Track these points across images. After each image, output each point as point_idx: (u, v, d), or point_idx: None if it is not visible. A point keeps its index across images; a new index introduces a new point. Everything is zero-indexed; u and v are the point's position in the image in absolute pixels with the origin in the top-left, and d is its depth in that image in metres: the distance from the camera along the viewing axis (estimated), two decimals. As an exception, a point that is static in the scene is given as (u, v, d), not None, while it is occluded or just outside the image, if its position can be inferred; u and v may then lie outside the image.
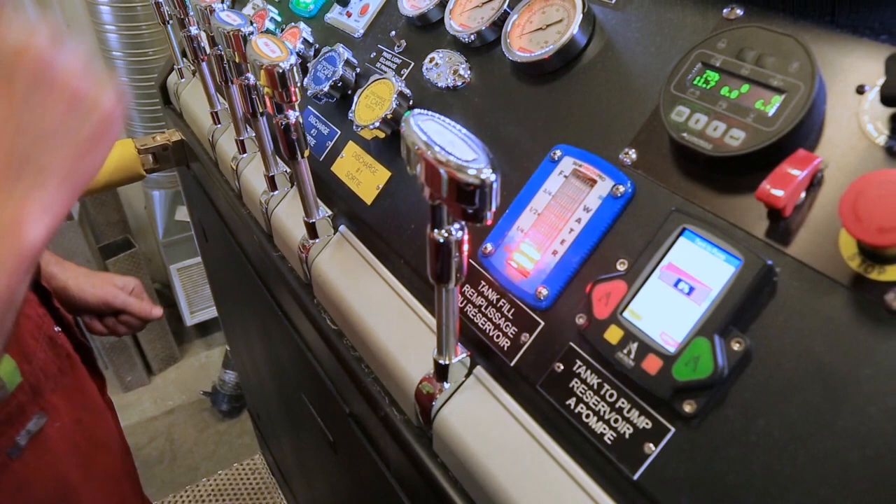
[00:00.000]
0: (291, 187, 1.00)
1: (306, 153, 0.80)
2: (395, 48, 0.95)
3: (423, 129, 0.52)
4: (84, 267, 1.16)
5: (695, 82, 0.61)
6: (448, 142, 0.51)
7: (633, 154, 0.65)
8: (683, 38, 0.67)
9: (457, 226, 0.55)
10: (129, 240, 3.01)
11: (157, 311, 1.23)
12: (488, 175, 0.47)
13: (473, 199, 0.48)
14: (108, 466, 0.99)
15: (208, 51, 1.09)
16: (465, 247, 0.56)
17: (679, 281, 0.57)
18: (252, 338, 1.54)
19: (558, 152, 0.69)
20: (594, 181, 0.66)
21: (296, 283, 0.96)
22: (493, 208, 0.48)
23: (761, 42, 0.59)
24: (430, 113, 0.55)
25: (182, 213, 2.96)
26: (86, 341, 1.04)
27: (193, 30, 1.11)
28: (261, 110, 0.92)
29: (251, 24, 0.84)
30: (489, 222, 0.51)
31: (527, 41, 0.77)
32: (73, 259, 2.74)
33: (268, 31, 1.16)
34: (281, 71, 0.70)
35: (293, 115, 0.76)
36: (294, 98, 0.73)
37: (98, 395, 1.01)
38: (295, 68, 0.71)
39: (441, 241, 0.55)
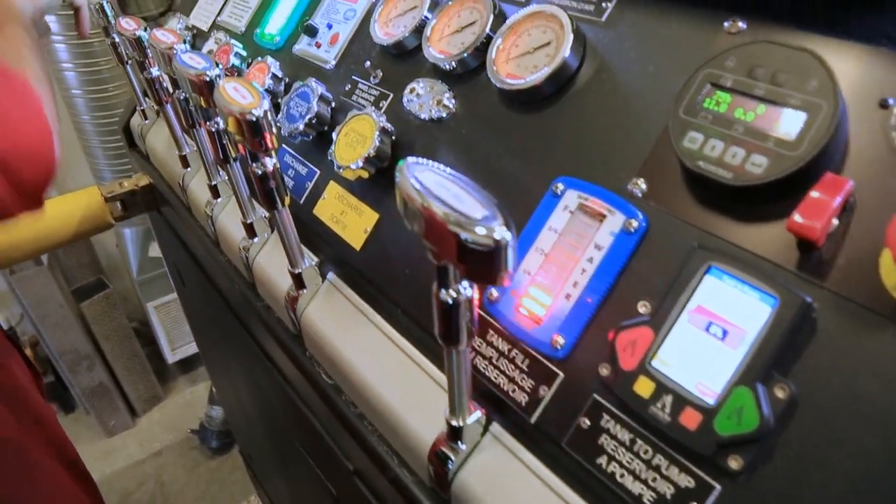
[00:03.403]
0: (272, 233, 0.94)
1: (287, 202, 0.74)
2: (372, 79, 0.89)
3: (421, 182, 0.47)
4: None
5: (705, 105, 0.57)
6: (452, 196, 0.46)
7: (642, 184, 0.60)
8: (683, 56, 0.62)
9: (466, 283, 0.50)
10: (103, 280, 2.90)
11: None
12: (503, 234, 0.42)
13: (488, 261, 0.42)
14: None
15: (172, 91, 1.03)
16: (476, 304, 0.51)
17: (710, 324, 0.52)
18: (238, 383, 1.47)
19: (560, 186, 0.65)
20: (603, 216, 0.61)
21: (285, 335, 0.90)
22: (511, 269, 0.44)
23: (774, 59, 0.54)
24: (425, 162, 0.50)
25: (155, 250, 2.87)
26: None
27: (154, 71, 1.05)
28: (233, 155, 0.86)
29: (217, 65, 0.78)
30: (507, 283, 0.46)
31: (514, 66, 0.72)
32: (45, 305, 2.65)
33: (234, 68, 1.10)
34: (253, 119, 0.65)
35: (270, 163, 0.71)
36: (270, 146, 0.67)
37: None
38: (269, 114, 0.66)
39: (450, 302, 0.50)
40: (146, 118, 1.34)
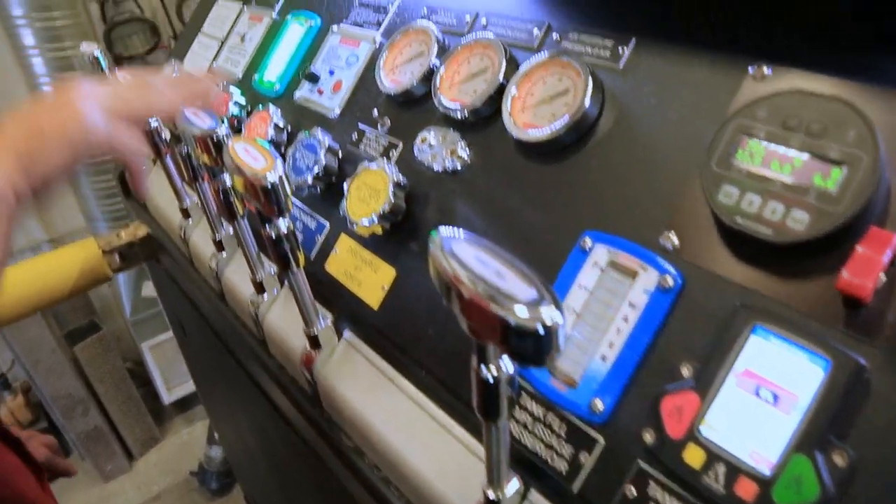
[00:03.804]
0: (282, 288, 0.92)
1: (302, 262, 0.72)
2: (380, 127, 0.87)
3: (458, 257, 0.44)
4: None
5: (739, 157, 0.55)
6: (494, 272, 0.44)
7: (674, 239, 0.59)
8: (708, 102, 0.61)
9: (507, 358, 0.48)
10: (96, 322, 2.86)
11: (74, 468, 1.16)
12: (554, 318, 0.39)
13: (537, 345, 0.40)
14: None
15: (171, 143, 1.00)
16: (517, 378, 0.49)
17: (759, 388, 0.50)
18: (244, 431, 1.43)
19: (588, 241, 0.63)
20: (636, 272, 0.60)
21: (300, 395, 0.87)
22: (560, 351, 0.41)
23: (807, 109, 0.53)
24: (461, 233, 0.48)
25: (149, 289, 2.82)
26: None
27: (152, 122, 1.02)
28: (241, 213, 0.84)
29: (222, 122, 0.76)
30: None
31: (531, 116, 0.70)
32: (37, 350, 2.60)
33: (234, 117, 1.08)
34: (269, 185, 0.63)
35: (284, 225, 0.68)
36: (286, 210, 0.65)
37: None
38: (284, 178, 0.63)
39: (490, 379, 0.48)
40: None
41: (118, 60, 2.49)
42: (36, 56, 2.14)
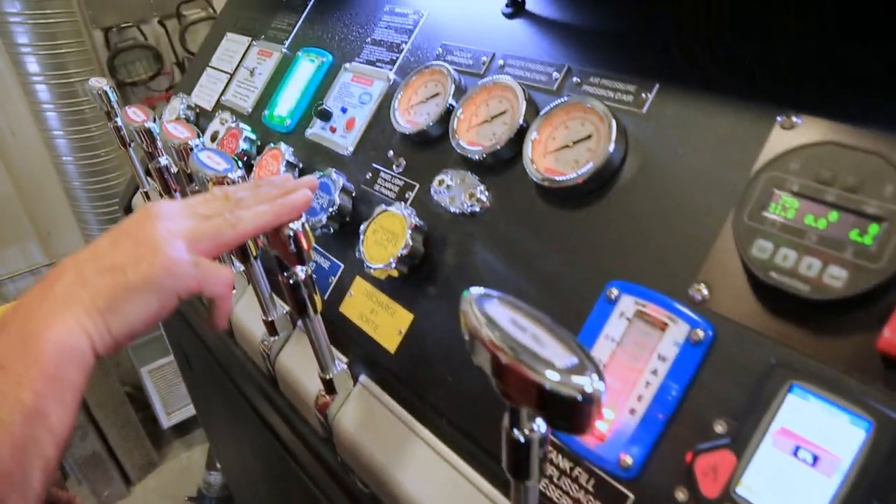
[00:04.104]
0: (294, 329, 0.91)
1: (320, 308, 0.71)
2: (395, 168, 0.87)
3: (493, 320, 0.43)
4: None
5: (772, 210, 0.54)
6: (530, 336, 0.42)
7: (704, 290, 0.58)
8: (736, 151, 0.60)
9: (540, 420, 0.46)
10: (95, 348, 2.82)
11: None
12: (595, 386, 0.38)
13: (576, 414, 0.39)
14: None
15: (183, 181, 0.99)
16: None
17: (798, 448, 0.49)
18: (249, 465, 1.41)
19: (615, 291, 0.62)
20: (665, 325, 0.58)
21: (313, 437, 0.85)
22: (600, 419, 0.40)
23: (841, 161, 0.52)
24: (493, 293, 0.46)
25: (149, 315, 2.79)
26: None
27: (163, 160, 1.02)
28: (254, 254, 0.82)
29: (238, 166, 0.75)
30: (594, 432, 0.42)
31: (553, 161, 0.70)
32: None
33: (244, 153, 1.07)
34: (292, 233, 0.62)
35: (302, 271, 0.67)
36: (308, 259, 0.64)
37: None
38: (307, 226, 0.63)
39: (522, 441, 0.46)
40: (149, 200, 1.31)
41: (121, 86, 2.49)
42: (41, 83, 2.14)
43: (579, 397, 0.38)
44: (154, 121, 1.00)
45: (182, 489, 2.99)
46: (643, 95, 0.67)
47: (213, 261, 0.58)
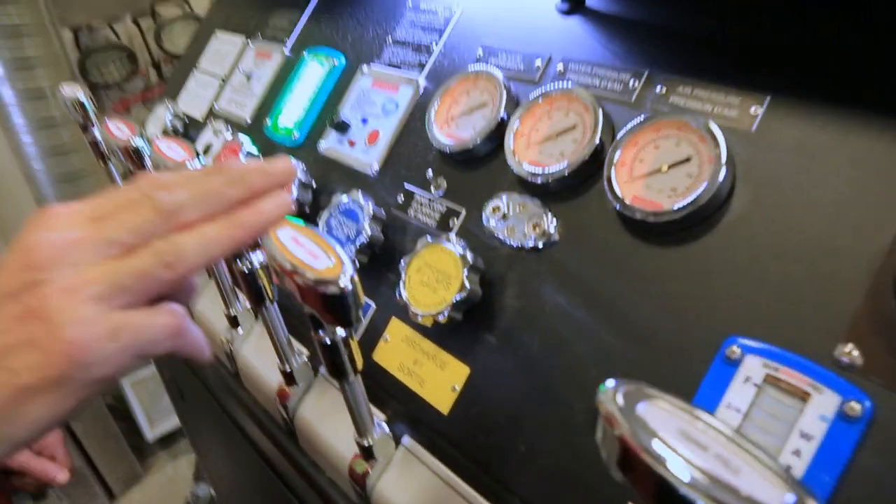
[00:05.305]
0: (316, 376, 0.78)
1: (360, 367, 0.59)
2: (434, 190, 0.74)
3: (660, 438, 0.32)
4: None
5: (951, 258, 0.44)
6: (716, 459, 0.31)
7: (855, 353, 0.47)
8: (877, 181, 0.49)
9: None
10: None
11: (62, 475, 0.97)
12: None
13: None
14: None
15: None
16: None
17: None
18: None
19: (736, 350, 0.51)
20: (806, 394, 0.47)
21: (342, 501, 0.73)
22: None
23: None
24: (641, 388, 0.35)
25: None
26: None
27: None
28: (270, 297, 0.70)
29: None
30: None
31: (642, 188, 0.58)
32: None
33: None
34: (337, 293, 0.49)
35: (342, 332, 0.55)
36: (357, 320, 0.52)
37: None
38: (357, 282, 0.50)
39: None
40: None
41: (93, 88, 2.32)
42: (4, 86, 1.97)
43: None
44: (140, 135, 0.86)
45: (168, 502, 2.85)
46: (752, 110, 0.56)
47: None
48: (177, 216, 0.41)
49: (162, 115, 1.16)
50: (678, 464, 0.29)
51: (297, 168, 0.87)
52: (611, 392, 0.34)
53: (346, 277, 0.49)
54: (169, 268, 0.40)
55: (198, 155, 0.76)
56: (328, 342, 0.55)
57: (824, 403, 0.47)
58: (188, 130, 1.15)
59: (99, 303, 0.38)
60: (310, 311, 0.53)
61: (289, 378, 0.77)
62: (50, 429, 0.39)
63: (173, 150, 0.76)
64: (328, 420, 0.74)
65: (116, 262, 0.39)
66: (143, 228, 0.41)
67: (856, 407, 0.45)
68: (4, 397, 0.37)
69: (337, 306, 0.49)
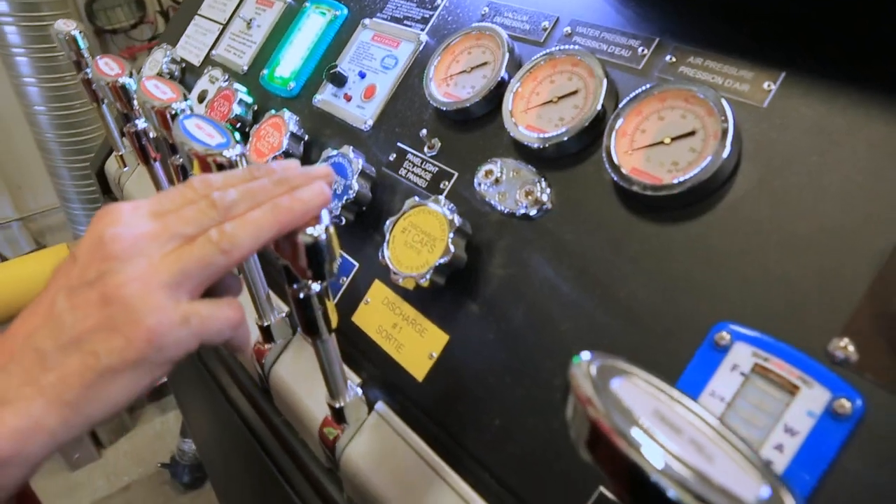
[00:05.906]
0: (294, 335, 0.76)
1: (335, 325, 0.56)
2: (427, 150, 0.71)
3: (629, 411, 0.30)
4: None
5: (963, 252, 0.41)
6: (688, 442, 0.29)
7: (850, 349, 0.44)
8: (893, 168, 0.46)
9: None
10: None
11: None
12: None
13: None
14: None
15: (163, 150, 0.83)
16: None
17: None
18: (233, 470, 1.27)
19: (726, 336, 0.48)
20: (795, 387, 0.45)
21: (315, 467, 0.72)
22: None
23: None
24: (615, 362, 0.33)
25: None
26: None
27: (140, 123, 0.85)
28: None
29: (236, 140, 0.60)
30: None
31: (642, 160, 0.55)
32: None
33: (238, 118, 0.91)
34: (311, 242, 0.47)
35: (317, 286, 0.53)
36: (331, 274, 0.49)
37: None
38: (333, 234, 0.48)
39: None
40: (125, 165, 1.14)
41: (99, 33, 2.28)
42: (10, 25, 1.92)
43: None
44: (131, 75, 0.83)
45: (155, 455, 2.87)
46: (765, 85, 0.53)
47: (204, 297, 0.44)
48: (230, 211, 0.45)
49: (159, 58, 1.12)
50: (652, 448, 0.27)
51: (292, 119, 0.84)
52: (584, 364, 0.32)
53: (321, 226, 0.47)
54: (225, 254, 0.43)
55: (185, 97, 0.73)
56: (302, 297, 0.53)
57: (813, 398, 0.44)
58: (185, 75, 1.12)
59: (168, 290, 0.41)
60: (283, 262, 0.51)
61: (266, 334, 0.75)
62: (123, 409, 0.42)
63: (160, 89, 0.74)
64: (303, 380, 0.72)
65: (179, 252, 0.43)
66: (202, 222, 0.44)
67: (846, 404, 0.43)
68: (88, 380, 0.39)
69: (311, 256, 0.47)
